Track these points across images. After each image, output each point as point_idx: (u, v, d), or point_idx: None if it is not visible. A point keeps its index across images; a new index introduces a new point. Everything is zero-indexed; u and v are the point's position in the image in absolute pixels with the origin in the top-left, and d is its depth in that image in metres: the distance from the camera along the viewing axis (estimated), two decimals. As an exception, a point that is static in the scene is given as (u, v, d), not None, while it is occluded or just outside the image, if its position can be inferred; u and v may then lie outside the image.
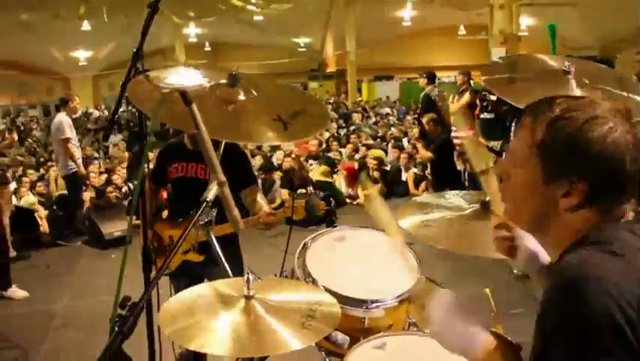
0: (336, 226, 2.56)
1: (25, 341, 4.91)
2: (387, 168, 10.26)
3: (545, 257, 1.51)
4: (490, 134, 8.17)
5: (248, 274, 1.68)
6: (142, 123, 2.18)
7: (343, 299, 2.07)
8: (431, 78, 9.57)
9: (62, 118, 7.91)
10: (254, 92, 2.10)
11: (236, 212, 1.51)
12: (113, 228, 7.91)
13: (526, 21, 18.99)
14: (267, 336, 1.59)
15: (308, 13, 25.31)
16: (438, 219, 2.37)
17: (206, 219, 2.13)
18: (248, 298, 1.69)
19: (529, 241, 1.53)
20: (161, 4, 1.98)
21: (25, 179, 9.88)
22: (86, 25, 22.44)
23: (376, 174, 9.84)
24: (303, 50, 30.55)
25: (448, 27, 26.12)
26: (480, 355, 1.34)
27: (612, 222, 1.23)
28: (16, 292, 6.06)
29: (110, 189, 9.05)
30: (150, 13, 2.00)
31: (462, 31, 25.06)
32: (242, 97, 2.06)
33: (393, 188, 9.71)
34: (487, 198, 2.24)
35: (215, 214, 2.16)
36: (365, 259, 2.43)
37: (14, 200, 8.38)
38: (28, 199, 8.93)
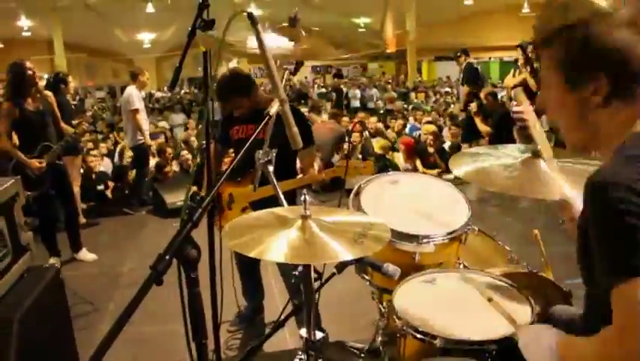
0: (389, 171, 2.64)
1: (94, 298, 5.14)
2: (445, 146, 10.21)
3: None
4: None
5: (305, 195, 1.79)
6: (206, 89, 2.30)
7: (395, 234, 2.14)
8: (466, 53, 9.62)
9: (132, 91, 8.15)
10: (315, 28, 2.20)
11: (295, 129, 1.60)
12: (176, 198, 8.17)
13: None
14: (320, 248, 1.70)
15: (367, -8, 25.12)
16: (490, 165, 2.42)
17: (266, 158, 2.24)
18: (304, 217, 1.79)
19: None
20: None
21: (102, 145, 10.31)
22: (150, 8, 22.90)
23: (431, 149, 9.82)
24: (363, 30, 30.31)
25: (511, 5, 25.43)
26: None
27: None
28: (86, 255, 6.39)
29: (167, 168, 9.30)
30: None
31: (525, 8, 24.36)
32: (303, 33, 2.17)
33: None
34: (539, 147, 2.29)
35: (274, 155, 2.27)
36: (417, 200, 2.50)
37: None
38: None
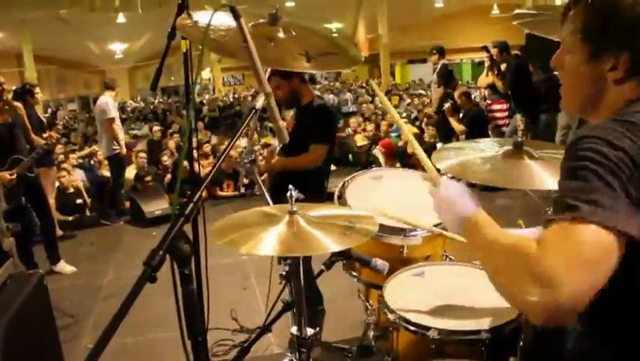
0: (372, 167, 2.66)
1: (75, 310, 5.07)
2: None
3: None
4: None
5: (291, 190, 1.78)
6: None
7: (382, 228, 2.14)
8: (442, 52, 9.28)
9: (107, 99, 8.05)
10: (293, 32, 2.19)
11: (281, 123, 1.59)
12: (154, 207, 8.11)
13: (561, -4, 18.58)
14: (309, 241, 1.70)
15: (339, -3, 25.24)
16: (471, 159, 2.43)
17: (250, 158, 2.24)
18: (291, 213, 1.79)
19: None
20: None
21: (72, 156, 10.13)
22: (121, 18, 22.69)
23: (411, 150, 9.88)
24: (335, 35, 30.29)
25: (481, 6, 25.76)
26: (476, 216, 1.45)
27: None
28: (65, 267, 6.29)
29: (148, 178, 9.17)
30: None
31: (495, 10, 24.66)
32: (281, 35, 2.16)
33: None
34: (519, 139, 2.31)
35: (258, 155, 2.27)
36: (402, 194, 2.51)
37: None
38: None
